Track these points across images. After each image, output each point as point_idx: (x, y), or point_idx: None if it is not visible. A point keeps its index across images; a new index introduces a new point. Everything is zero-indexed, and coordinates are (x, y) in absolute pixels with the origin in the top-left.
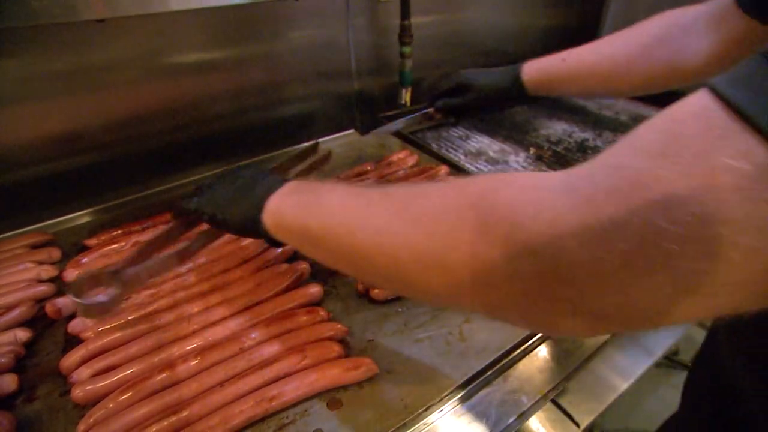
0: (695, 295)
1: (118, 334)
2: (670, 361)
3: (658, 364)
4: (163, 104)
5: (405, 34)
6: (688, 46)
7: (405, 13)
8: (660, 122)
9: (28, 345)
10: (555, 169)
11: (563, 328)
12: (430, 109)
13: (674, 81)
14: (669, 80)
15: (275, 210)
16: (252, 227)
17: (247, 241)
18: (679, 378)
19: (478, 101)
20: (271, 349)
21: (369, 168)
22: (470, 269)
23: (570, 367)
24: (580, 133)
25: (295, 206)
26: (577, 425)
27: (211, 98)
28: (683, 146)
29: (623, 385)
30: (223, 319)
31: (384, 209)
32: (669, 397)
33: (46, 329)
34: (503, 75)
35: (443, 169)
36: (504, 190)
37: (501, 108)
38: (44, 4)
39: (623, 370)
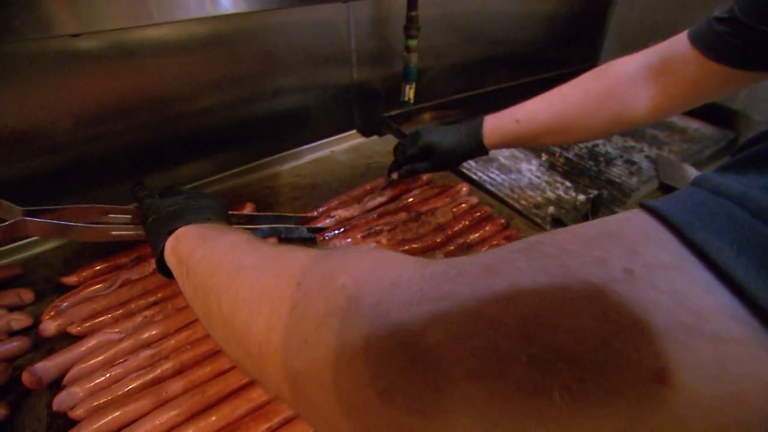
0: None
1: (118, 413)
2: None
3: None
4: (138, 94)
5: (411, 26)
6: (634, 98)
7: (412, 3)
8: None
9: (2, 423)
10: (571, 180)
11: None
12: (394, 175)
13: (623, 128)
14: (619, 128)
15: (179, 235)
16: (157, 246)
17: None
18: None
19: (442, 163)
20: (304, 427)
21: (381, 184)
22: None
23: None
24: None
25: (195, 237)
26: None
27: (195, 88)
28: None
29: None
30: (242, 387)
31: (251, 256)
32: None
33: (23, 400)
34: (466, 136)
35: (464, 187)
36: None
37: (458, 164)
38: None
39: None
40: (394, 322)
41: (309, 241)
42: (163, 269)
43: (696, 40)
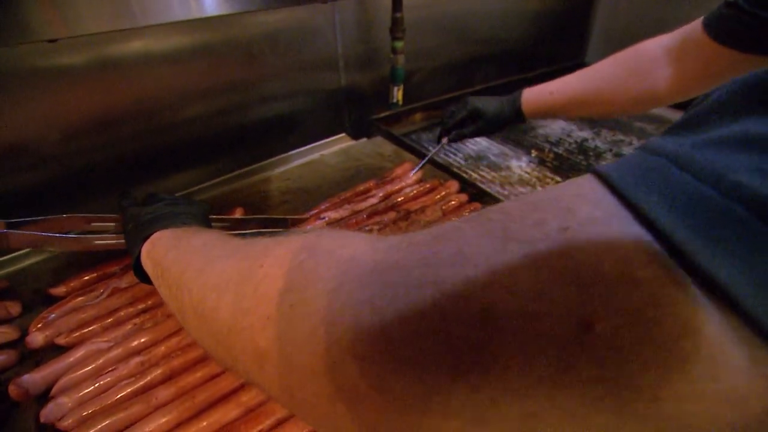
0: None
1: (107, 422)
2: None
3: None
4: (126, 105)
5: (397, 27)
6: (656, 76)
7: (397, 4)
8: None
9: None
10: (560, 174)
11: None
12: (444, 140)
13: (647, 106)
14: (642, 106)
15: (154, 240)
16: (132, 252)
17: None
18: None
19: (486, 128)
20: (296, 429)
21: (372, 185)
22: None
23: None
24: (578, 133)
25: (169, 239)
26: None
27: (182, 97)
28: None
29: None
30: (233, 392)
31: (220, 249)
32: None
33: (10, 413)
34: (507, 103)
35: (454, 185)
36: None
37: (500, 130)
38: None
39: None
40: (348, 294)
41: None
42: (140, 275)
43: (706, 25)
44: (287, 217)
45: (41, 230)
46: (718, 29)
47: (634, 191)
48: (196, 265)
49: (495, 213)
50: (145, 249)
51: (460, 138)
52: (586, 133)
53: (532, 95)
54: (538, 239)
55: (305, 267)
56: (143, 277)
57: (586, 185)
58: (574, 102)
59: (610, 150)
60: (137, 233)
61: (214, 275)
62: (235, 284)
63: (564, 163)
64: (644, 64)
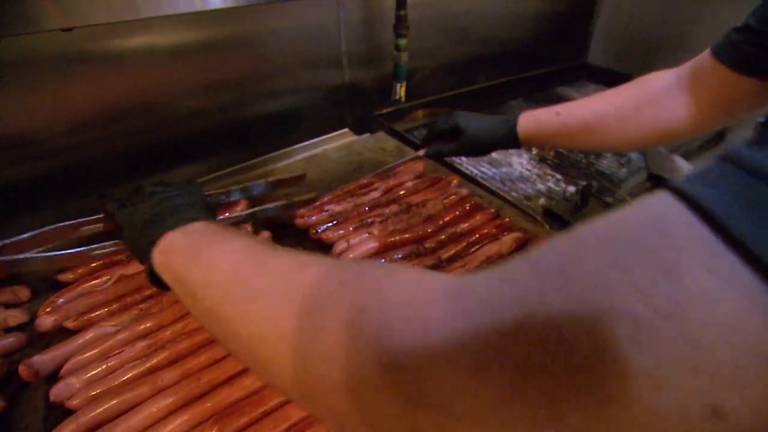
0: None
1: (114, 402)
2: None
3: None
4: (130, 99)
5: (401, 25)
6: (671, 107)
7: (401, 2)
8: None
9: (0, 415)
10: (561, 172)
11: None
12: (420, 152)
13: (661, 140)
14: (656, 140)
15: (167, 248)
16: (144, 260)
17: None
18: None
19: (468, 148)
20: (299, 410)
21: (374, 178)
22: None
23: None
24: None
25: (185, 249)
26: None
27: (187, 92)
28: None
29: None
30: (237, 375)
31: (261, 280)
32: None
33: (20, 393)
34: (501, 124)
35: (455, 179)
36: (373, 311)
37: (487, 153)
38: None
39: None
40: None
41: (302, 234)
42: (156, 282)
43: (717, 52)
44: (290, 201)
45: (30, 247)
46: (729, 55)
47: (755, 239)
48: (234, 300)
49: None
50: (159, 259)
51: (438, 155)
52: None
53: (533, 117)
54: (643, 314)
55: (367, 323)
56: (159, 284)
57: (676, 219)
58: (581, 127)
59: None
60: (140, 239)
61: (259, 319)
62: (288, 340)
63: (564, 161)
64: (658, 93)
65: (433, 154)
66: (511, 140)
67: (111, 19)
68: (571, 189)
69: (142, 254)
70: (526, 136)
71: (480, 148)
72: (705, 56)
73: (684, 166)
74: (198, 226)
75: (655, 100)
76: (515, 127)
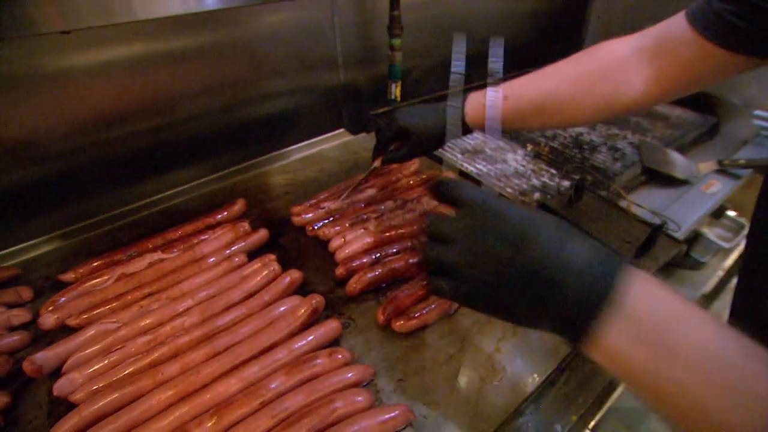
0: None
1: (116, 395)
2: None
3: None
4: (129, 103)
5: (394, 25)
6: (627, 80)
7: (394, 2)
8: None
9: (5, 410)
10: (556, 167)
11: None
12: (376, 163)
13: (615, 113)
14: (610, 113)
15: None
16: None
17: (249, 270)
18: None
19: (419, 147)
20: (296, 400)
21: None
22: None
23: (597, 388)
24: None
25: (638, 337)
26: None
27: (185, 95)
28: None
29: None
30: (236, 367)
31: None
32: None
33: (25, 389)
34: (446, 115)
35: (450, 176)
36: None
37: (440, 146)
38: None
39: None
40: None
41: (299, 231)
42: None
43: (694, 20)
44: None
45: None
46: (709, 25)
47: None
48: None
49: None
50: (600, 340)
51: (393, 161)
52: (581, 128)
53: (479, 101)
54: None
55: None
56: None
57: None
58: (531, 109)
59: (605, 143)
60: (561, 311)
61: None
62: None
63: (559, 157)
64: (613, 67)
65: (389, 161)
66: (462, 129)
67: (107, 22)
68: (566, 184)
69: (573, 322)
70: (475, 123)
71: (431, 144)
72: (677, 23)
73: (678, 159)
74: (640, 299)
75: (611, 73)
76: (462, 117)
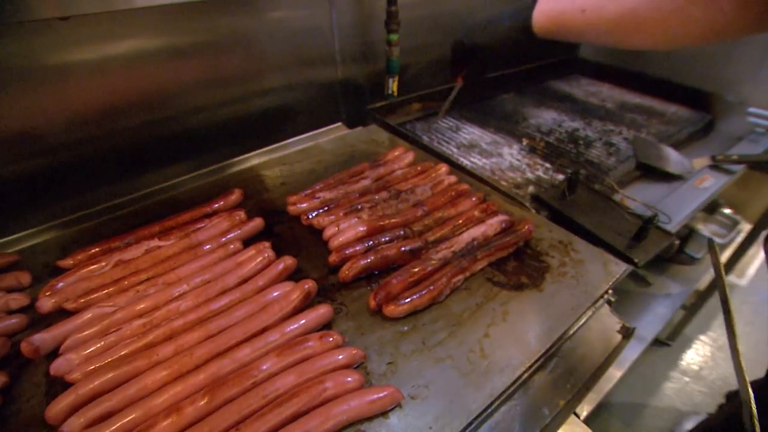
0: None
1: (111, 375)
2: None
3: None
4: (129, 97)
5: (392, 20)
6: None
7: None
8: None
9: (3, 390)
10: (550, 161)
11: None
12: (459, 83)
13: (711, 36)
14: (695, 38)
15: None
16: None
17: (244, 257)
18: (655, 356)
19: (492, 59)
20: (286, 381)
21: (365, 167)
22: None
23: (585, 374)
24: (569, 123)
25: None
26: (577, 416)
27: (185, 90)
28: None
29: (618, 374)
30: (229, 349)
31: None
32: (648, 373)
33: (23, 369)
34: (510, 28)
35: (443, 167)
36: None
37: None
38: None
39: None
40: None
41: (294, 221)
42: None
43: None
44: None
45: None
46: None
47: None
48: None
49: None
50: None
51: (472, 76)
52: (577, 123)
53: (553, 12)
54: None
55: None
56: None
57: None
58: (609, 26)
59: (600, 139)
60: None
61: None
62: None
63: (554, 151)
64: None
65: (468, 77)
66: (529, 42)
67: (105, 8)
68: (560, 177)
69: None
70: (545, 33)
71: (500, 54)
72: None
73: (672, 155)
74: None
75: None
76: (530, 29)
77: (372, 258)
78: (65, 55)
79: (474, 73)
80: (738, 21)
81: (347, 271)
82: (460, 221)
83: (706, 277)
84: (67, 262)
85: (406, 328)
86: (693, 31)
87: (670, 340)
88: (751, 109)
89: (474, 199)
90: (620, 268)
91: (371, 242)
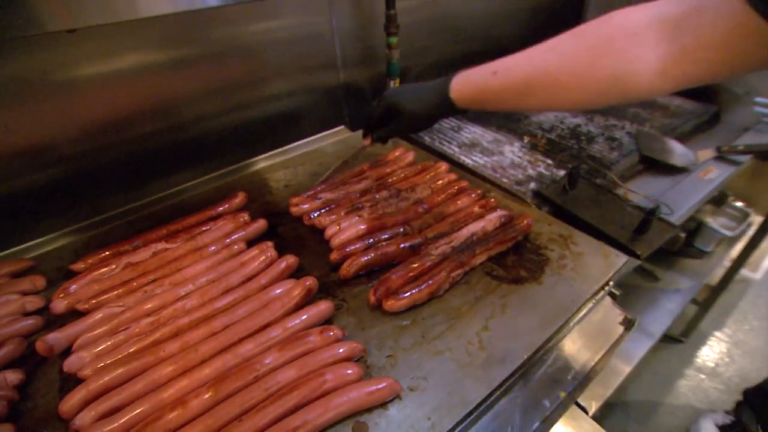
0: None
1: (121, 370)
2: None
3: None
4: (138, 108)
5: (391, 24)
6: (638, 57)
7: (390, 2)
8: None
9: (20, 387)
10: (552, 158)
11: None
12: (366, 142)
13: (621, 97)
14: (615, 96)
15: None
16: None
17: (248, 257)
18: (669, 353)
19: (407, 125)
20: (288, 374)
21: (366, 167)
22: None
23: (586, 366)
24: (571, 119)
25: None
26: (586, 411)
27: (191, 99)
28: None
29: (627, 369)
30: (233, 345)
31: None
32: (661, 371)
33: (38, 368)
34: (431, 93)
35: (443, 166)
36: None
37: (429, 125)
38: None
39: (626, 354)
40: None
41: (296, 221)
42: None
43: None
44: None
45: None
46: None
47: None
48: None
49: None
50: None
51: (383, 140)
52: (579, 119)
53: (467, 80)
54: None
55: None
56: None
57: None
58: (523, 86)
59: (603, 134)
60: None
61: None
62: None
63: (555, 147)
64: (622, 38)
65: (377, 140)
66: (448, 108)
67: (112, 20)
68: (561, 173)
69: (441, 98)
70: (463, 101)
71: (419, 123)
72: None
73: (676, 147)
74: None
75: (620, 46)
76: (447, 95)
77: (372, 255)
78: (75, 70)
79: (390, 134)
80: (667, 79)
81: (348, 268)
82: (460, 217)
83: (718, 271)
84: (79, 265)
85: (405, 322)
86: (612, 89)
87: (684, 337)
88: (758, 99)
89: (473, 195)
90: (620, 260)
91: (371, 240)
